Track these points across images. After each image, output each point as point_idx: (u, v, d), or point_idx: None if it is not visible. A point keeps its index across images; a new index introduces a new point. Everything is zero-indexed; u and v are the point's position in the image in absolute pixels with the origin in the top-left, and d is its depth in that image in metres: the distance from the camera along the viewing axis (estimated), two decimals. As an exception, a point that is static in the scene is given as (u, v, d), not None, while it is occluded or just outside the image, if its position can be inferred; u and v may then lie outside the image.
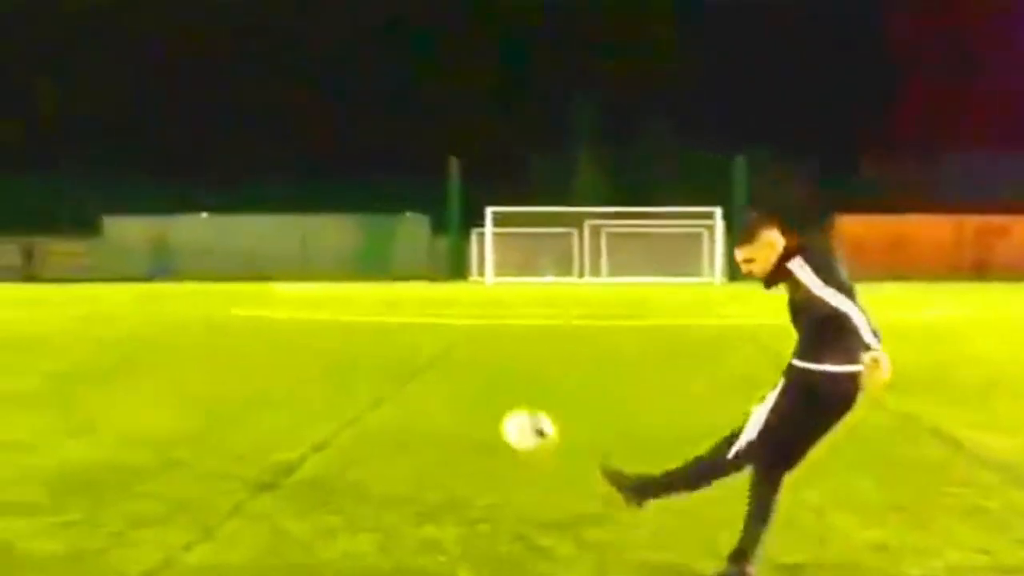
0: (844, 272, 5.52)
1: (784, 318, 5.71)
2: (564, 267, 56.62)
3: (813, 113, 63.10)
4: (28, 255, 56.64)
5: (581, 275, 56.30)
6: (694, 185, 58.72)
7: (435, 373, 14.80)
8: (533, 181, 63.42)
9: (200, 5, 72.67)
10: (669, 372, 14.72)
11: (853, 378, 5.44)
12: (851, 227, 54.84)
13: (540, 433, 6.64)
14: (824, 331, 5.44)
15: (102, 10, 72.05)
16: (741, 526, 5.65)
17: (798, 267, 5.46)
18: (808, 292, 5.40)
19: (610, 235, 57.03)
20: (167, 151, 63.35)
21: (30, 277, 55.62)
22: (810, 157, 60.75)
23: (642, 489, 6.20)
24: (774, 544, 5.77)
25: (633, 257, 55.29)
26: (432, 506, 7.07)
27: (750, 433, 5.65)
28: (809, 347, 5.53)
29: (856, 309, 5.34)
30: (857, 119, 63.73)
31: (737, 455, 5.69)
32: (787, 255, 5.55)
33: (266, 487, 7.55)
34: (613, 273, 55.33)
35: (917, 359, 15.52)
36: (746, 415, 5.71)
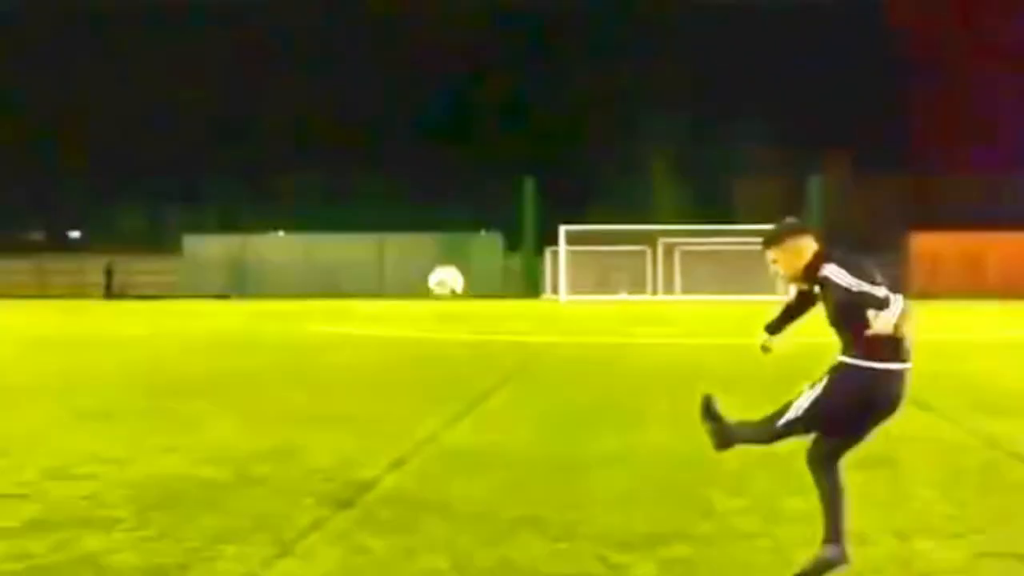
0: (879, 277, 5.66)
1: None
2: (637, 285, 56.44)
3: (892, 129, 62.49)
4: (109, 273, 57.50)
5: (655, 293, 56.08)
6: (771, 203, 58.36)
7: (511, 391, 14.80)
8: (608, 199, 63.38)
9: (280, 30, 73.50)
10: (744, 391, 14.60)
11: (900, 376, 5.64)
12: (928, 244, 54.15)
13: (453, 291, 7.74)
14: (867, 328, 5.57)
15: (176, 36, 73.18)
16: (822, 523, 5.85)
17: (833, 272, 5.66)
18: (848, 292, 5.55)
19: (684, 253, 56.79)
20: (245, 171, 64.03)
21: (111, 295, 56.48)
22: (887, 173, 60.16)
23: (726, 436, 6.33)
24: (859, 565, 5.72)
25: (706, 275, 54.99)
26: (509, 524, 7.06)
27: (797, 409, 5.86)
28: (855, 344, 5.66)
29: (898, 300, 5.43)
30: (934, 134, 62.91)
31: (785, 425, 5.93)
32: (819, 262, 5.79)
33: (344, 504, 7.59)
34: (686, 291, 55.05)
35: (999, 381, 15.28)
36: (798, 393, 5.88)
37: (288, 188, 61.73)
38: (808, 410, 5.82)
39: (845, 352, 5.73)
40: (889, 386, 5.66)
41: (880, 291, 5.48)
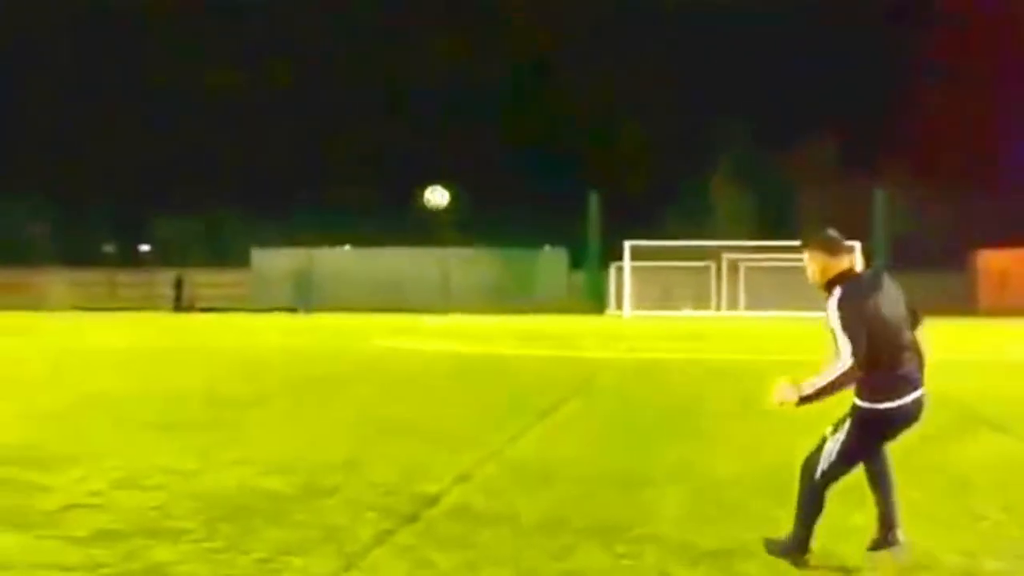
0: (888, 309, 6.03)
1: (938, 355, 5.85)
2: (701, 301, 56.19)
3: (961, 144, 61.78)
4: (179, 286, 58.17)
5: (718, 309, 55.80)
6: (836, 218, 57.81)
7: (575, 406, 14.79)
8: (672, 215, 63.19)
9: (343, 51, 74.10)
10: (807, 408, 14.49)
11: (913, 403, 6.08)
12: (996, 261, 53.44)
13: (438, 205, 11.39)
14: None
15: (244, 54, 73.97)
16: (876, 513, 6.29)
17: (832, 296, 6.07)
18: (830, 324, 6.02)
19: (748, 269, 56.46)
20: (314, 185, 64.54)
21: (180, 307, 57.14)
22: (950, 189, 59.43)
23: (799, 542, 6.42)
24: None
25: (771, 291, 54.59)
26: (573, 538, 7.05)
27: (826, 463, 6.19)
28: (862, 383, 6.05)
29: (842, 364, 5.92)
30: (998, 150, 62.13)
31: (823, 476, 6.21)
32: (835, 280, 6.12)
33: (409, 518, 7.62)
34: (750, 307, 54.69)
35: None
36: (822, 437, 6.24)
37: (355, 202, 62.04)
38: (840, 456, 6.16)
39: (857, 393, 6.10)
40: (906, 415, 6.09)
41: (845, 346, 5.90)
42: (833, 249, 6.20)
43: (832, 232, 6.28)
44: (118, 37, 76.83)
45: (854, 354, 5.90)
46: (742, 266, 56.55)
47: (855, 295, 6.03)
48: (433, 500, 8.22)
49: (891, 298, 6.11)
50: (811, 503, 6.28)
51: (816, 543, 6.37)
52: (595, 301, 57.52)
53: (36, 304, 57.12)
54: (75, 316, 48.98)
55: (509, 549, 6.80)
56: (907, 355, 6.08)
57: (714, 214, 67.66)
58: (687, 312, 54.18)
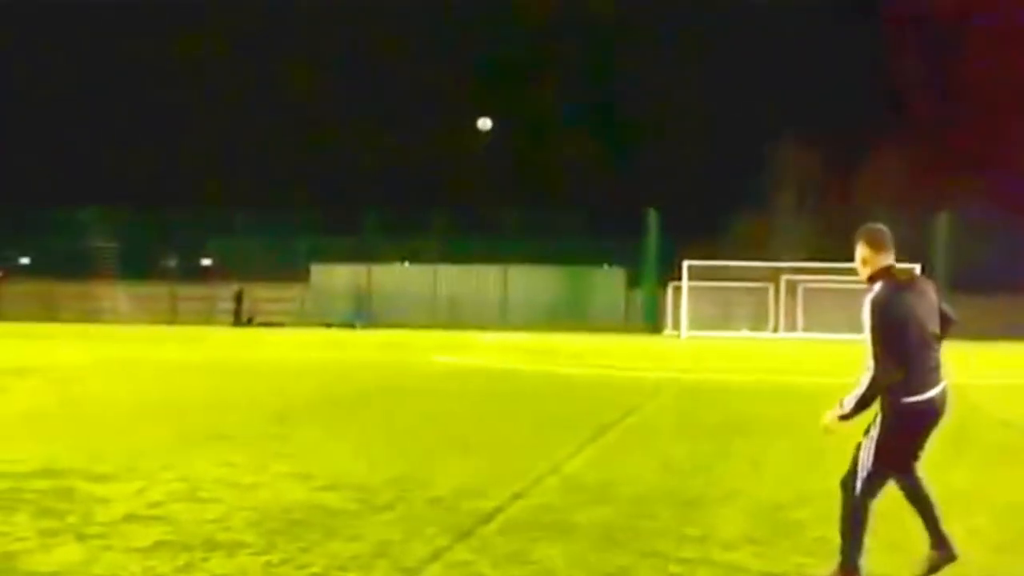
0: (922, 309, 6.18)
1: (975, 376, 5.88)
2: (759, 322, 55.87)
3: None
4: (239, 300, 58.64)
5: (776, 330, 55.44)
6: (897, 240, 57.26)
7: (631, 424, 14.77)
8: (732, 234, 62.94)
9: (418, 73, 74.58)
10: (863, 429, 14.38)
11: (939, 396, 6.16)
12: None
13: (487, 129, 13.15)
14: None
15: (294, 68, 74.61)
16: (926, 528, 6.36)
17: (868, 294, 6.23)
18: (863, 322, 6.18)
19: (807, 290, 56.06)
20: (372, 201, 64.84)
21: (240, 321, 57.59)
22: (1015, 213, 58.67)
23: (849, 566, 6.36)
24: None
25: (830, 313, 54.17)
26: (628, 558, 7.05)
27: (864, 470, 6.24)
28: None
29: (870, 375, 6.10)
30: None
31: (864, 486, 6.25)
32: (876, 276, 6.27)
33: (465, 534, 7.65)
34: (808, 328, 54.29)
35: None
36: (856, 447, 6.29)
37: (415, 219, 62.31)
38: (875, 462, 6.22)
39: (885, 392, 6.14)
40: (934, 408, 6.16)
41: (870, 350, 6.09)
42: (876, 244, 6.34)
43: (879, 227, 6.44)
44: (186, 52, 77.79)
45: (885, 353, 6.03)
46: (800, 287, 56.17)
47: (893, 292, 6.17)
48: (489, 516, 8.25)
49: (927, 299, 6.27)
50: (856, 521, 6.27)
51: (874, 566, 6.33)
52: (652, 320, 57.34)
53: (98, 316, 57.84)
54: (136, 329, 49.53)
55: (563, 567, 6.81)
56: (933, 352, 6.21)
57: (774, 234, 67.30)
58: (744, 333, 53.90)
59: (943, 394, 6.20)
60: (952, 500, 8.81)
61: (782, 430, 14.38)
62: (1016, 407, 16.15)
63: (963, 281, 51.48)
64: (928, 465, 10.85)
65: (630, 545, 7.42)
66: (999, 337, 43.74)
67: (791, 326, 55.40)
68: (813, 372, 26.62)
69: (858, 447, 6.30)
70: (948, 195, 56.33)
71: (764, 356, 34.16)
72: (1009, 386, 18.94)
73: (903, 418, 6.13)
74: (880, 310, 6.10)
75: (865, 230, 6.41)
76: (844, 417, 6.23)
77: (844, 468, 9.86)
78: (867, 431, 6.27)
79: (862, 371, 6.16)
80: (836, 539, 7.59)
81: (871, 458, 6.20)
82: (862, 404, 6.15)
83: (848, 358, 33.90)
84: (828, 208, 65.55)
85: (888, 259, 6.31)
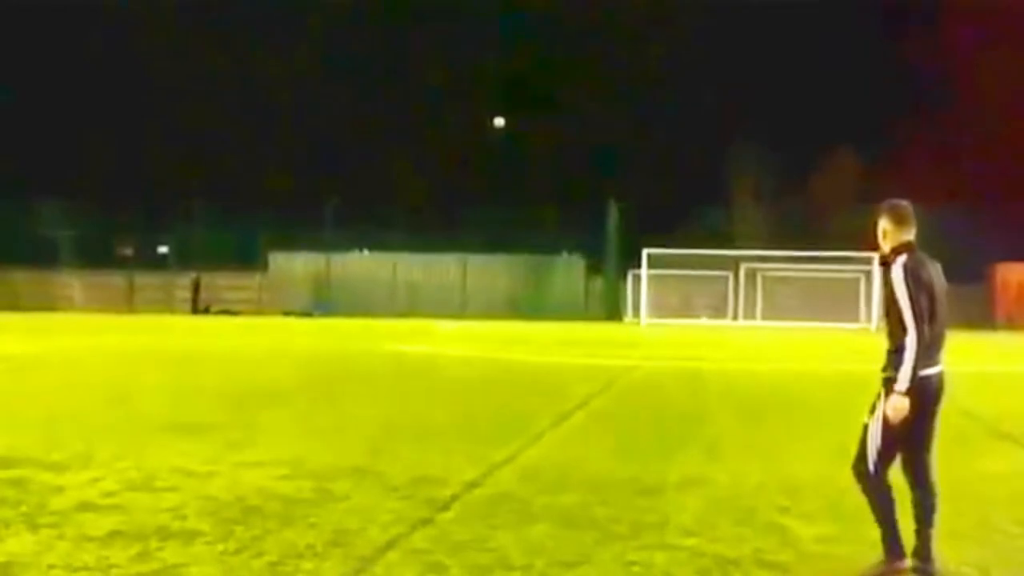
0: (938, 285, 6.26)
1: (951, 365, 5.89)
2: (719, 310, 56.14)
3: (976, 158, 61.61)
4: (196, 288, 58.34)
5: (735, 318, 55.73)
6: (854, 231, 57.68)
7: (590, 413, 14.78)
8: (690, 223, 63.11)
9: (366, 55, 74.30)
10: (820, 416, 14.46)
11: (939, 376, 6.23)
12: (1014, 274, 53.26)
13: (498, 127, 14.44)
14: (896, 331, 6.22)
15: (264, 59, 74.22)
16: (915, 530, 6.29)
17: (898, 263, 6.24)
18: (894, 294, 6.17)
19: (766, 278, 56.41)
20: (332, 189, 64.61)
21: (198, 310, 57.30)
22: (969, 203, 59.16)
23: (889, 548, 6.40)
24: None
25: (788, 301, 54.58)
26: (586, 546, 7.05)
27: (874, 448, 6.25)
28: (891, 355, 6.20)
29: (914, 338, 6.05)
30: (1018, 163, 61.89)
31: (875, 466, 6.26)
32: (899, 250, 6.31)
33: (422, 522, 7.62)
34: (767, 317, 54.63)
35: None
36: (863, 428, 6.31)
37: (374, 207, 62.12)
38: (883, 438, 6.21)
39: (888, 367, 6.19)
40: (938, 385, 6.22)
41: (908, 315, 6.07)
42: (899, 218, 6.40)
43: (902, 202, 6.48)
44: (138, 40, 77.20)
45: (918, 314, 6.06)
46: (760, 275, 56.50)
47: (917, 264, 6.22)
48: (446, 504, 8.23)
49: (942, 279, 6.34)
50: (882, 502, 6.27)
51: (836, 553, 6.34)
52: (612, 308, 57.48)
53: (54, 305, 57.38)
54: (93, 318, 49.16)
55: (521, 554, 6.80)
56: (943, 330, 6.29)
57: (733, 223, 67.60)
58: (704, 320, 54.15)
59: (942, 375, 6.28)
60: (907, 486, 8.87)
61: (741, 417, 14.45)
62: (975, 396, 16.29)
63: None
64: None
65: (588, 532, 7.41)
66: (959, 326, 44.05)
67: (750, 314, 55.75)
68: (772, 359, 26.77)
69: (864, 429, 6.30)
70: (905, 188, 56.73)
71: (724, 344, 34.30)
72: (967, 374, 19.10)
73: (912, 391, 6.11)
74: (912, 274, 6.14)
75: (888, 204, 6.46)
76: (906, 393, 6.10)
77: (802, 456, 9.91)
78: (872, 410, 6.29)
79: (898, 334, 6.13)
80: (793, 525, 7.65)
81: (881, 433, 6.21)
82: (916, 371, 6.07)
83: (806, 345, 34.14)
84: (786, 200, 65.93)
85: (909, 235, 6.36)
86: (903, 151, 63.16)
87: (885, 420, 6.17)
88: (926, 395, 6.17)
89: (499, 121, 53.07)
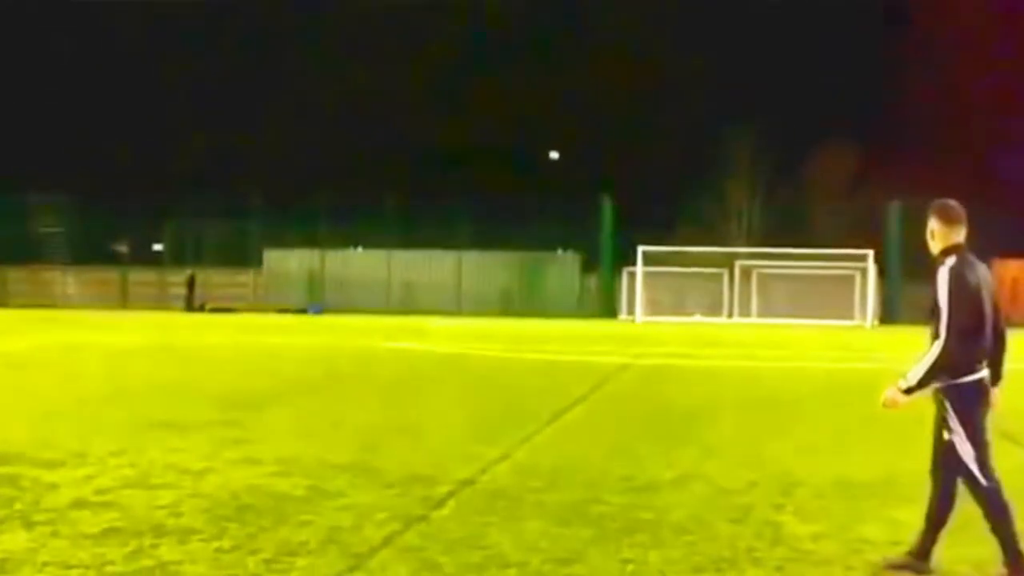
0: (986, 288, 6.18)
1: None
2: (713, 307, 56.14)
3: (970, 154, 61.66)
4: (191, 285, 58.28)
5: (730, 315, 55.74)
6: (849, 228, 57.88)
7: (585, 410, 14.80)
8: (685, 221, 63.17)
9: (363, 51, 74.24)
10: (815, 414, 14.48)
11: (986, 379, 6.20)
12: (1008, 270, 53.35)
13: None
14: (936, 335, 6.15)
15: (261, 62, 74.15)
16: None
17: (945, 266, 6.16)
18: (938, 296, 6.09)
19: (761, 276, 56.42)
20: (326, 186, 64.63)
21: (192, 307, 57.25)
22: (963, 199, 59.18)
23: (921, 553, 6.49)
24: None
25: (783, 298, 54.60)
26: (580, 544, 7.05)
27: (971, 460, 6.16)
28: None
29: (940, 346, 6.00)
30: (1012, 160, 61.94)
31: (985, 476, 6.17)
32: (948, 251, 6.21)
33: (417, 520, 7.63)
34: (762, 314, 54.64)
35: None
36: (947, 445, 6.21)
37: (369, 204, 62.09)
38: (973, 445, 6.16)
39: (952, 371, 6.10)
40: (987, 387, 6.23)
41: (943, 322, 6.00)
42: (949, 219, 6.30)
43: (952, 202, 6.37)
44: (134, 34, 77.11)
45: (955, 323, 5.99)
46: (755, 272, 56.52)
47: (964, 268, 6.14)
48: (440, 502, 8.24)
49: (990, 282, 6.29)
50: (998, 510, 6.18)
51: (827, 552, 6.34)
52: (607, 305, 57.48)
53: (49, 302, 57.30)
54: (87, 314, 49.12)
55: (515, 552, 6.81)
56: (989, 333, 6.21)
57: (727, 220, 67.66)
58: (699, 318, 54.14)
59: (984, 382, 6.24)
60: (903, 484, 8.90)
61: (736, 414, 14.45)
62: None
63: (914, 270, 51.94)
64: (880, 452, 10.96)
65: (583, 529, 7.42)
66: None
67: (745, 311, 55.74)
68: (767, 357, 26.78)
69: (950, 450, 6.21)
70: (899, 185, 56.72)
71: (719, 341, 34.32)
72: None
73: (969, 393, 6.12)
74: (957, 279, 6.07)
75: (938, 204, 6.36)
76: (909, 391, 6.12)
77: (796, 454, 9.93)
78: (947, 429, 6.21)
79: (932, 340, 6.13)
80: (787, 522, 7.67)
81: (970, 445, 6.15)
82: (929, 377, 6.07)
83: (801, 342, 34.15)
84: (781, 196, 66.01)
85: (959, 235, 6.27)
86: (899, 145, 63.25)
87: (965, 427, 6.14)
88: (982, 393, 6.21)
89: (554, 154, 54.79)
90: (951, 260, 6.16)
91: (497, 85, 74.34)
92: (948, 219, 6.29)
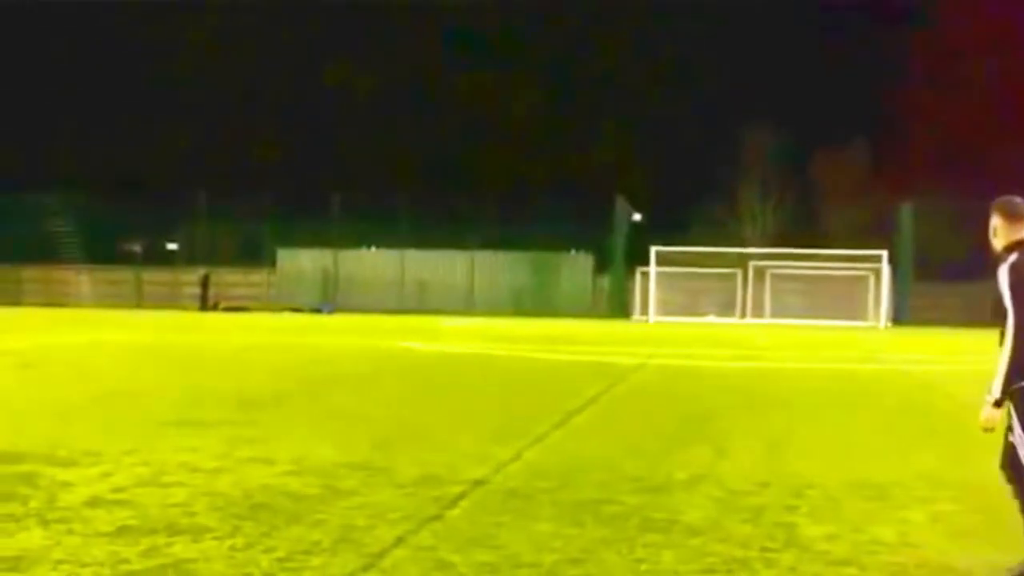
0: None
1: (942, 362, 5.85)
2: (727, 307, 56.07)
3: (983, 154, 61.49)
4: (205, 285, 58.40)
5: (743, 316, 55.66)
6: (861, 228, 57.75)
7: (597, 410, 14.79)
8: (698, 221, 63.14)
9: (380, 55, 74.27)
10: (828, 415, 14.45)
11: None
12: None
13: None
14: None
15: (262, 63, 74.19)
16: None
17: (1006, 263, 6.01)
18: (998, 291, 5.94)
19: (774, 276, 56.34)
20: (340, 186, 64.73)
21: (206, 306, 57.37)
22: (977, 200, 59.08)
23: None
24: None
25: (797, 299, 54.52)
26: (592, 544, 7.05)
27: None
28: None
29: (1010, 346, 5.85)
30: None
31: None
32: (1010, 248, 6.07)
33: (430, 519, 7.63)
34: (776, 315, 54.56)
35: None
36: (1009, 447, 6.11)
37: (381, 204, 62.16)
38: None
39: (1013, 374, 5.92)
40: None
41: (1010, 320, 5.85)
42: (1011, 215, 6.16)
43: (1016, 199, 6.24)
44: (150, 34, 77.25)
45: (1018, 326, 5.84)
46: (768, 273, 56.43)
47: None
48: (453, 502, 8.24)
49: None
50: None
51: (840, 553, 6.32)
52: (620, 306, 57.45)
53: (63, 301, 57.47)
54: (101, 313, 49.24)
55: (528, 551, 6.81)
56: None
57: (741, 221, 67.57)
58: (712, 319, 54.09)
59: None
60: (916, 485, 8.88)
61: (749, 415, 14.43)
62: (980, 391, 16.26)
63: (926, 269, 51.85)
64: (894, 449, 10.95)
65: (595, 530, 7.42)
66: (962, 324, 44.00)
67: (758, 311, 55.66)
68: (780, 358, 26.74)
69: (1011, 451, 6.10)
70: (911, 185, 56.65)
71: (732, 342, 34.27)
72: (972, 371, 19.06)
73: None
74: (1020, 274, 5.92)
75: (1001, 201, 6.23)
76: (998, 403, 5.97)
77: (809, 454, 9.92)
78: (1010, 429, 6.07)
79: (999, 349, 6.00)
80: (804, 525, 7.65)
81: None
82: (1008, 382, 5.90)
83: (814, 343, 34.07)
84: (793, 197, 65.93)
85: (1022, 232, 6.11)
86: (911, 146, 63.08)
87: None
88: None
89: (636, 216, 58.15)
90: (1013, 256, 6.01)
91: (510, 85, 74.33)
92: (1011, 215, 6.16)
